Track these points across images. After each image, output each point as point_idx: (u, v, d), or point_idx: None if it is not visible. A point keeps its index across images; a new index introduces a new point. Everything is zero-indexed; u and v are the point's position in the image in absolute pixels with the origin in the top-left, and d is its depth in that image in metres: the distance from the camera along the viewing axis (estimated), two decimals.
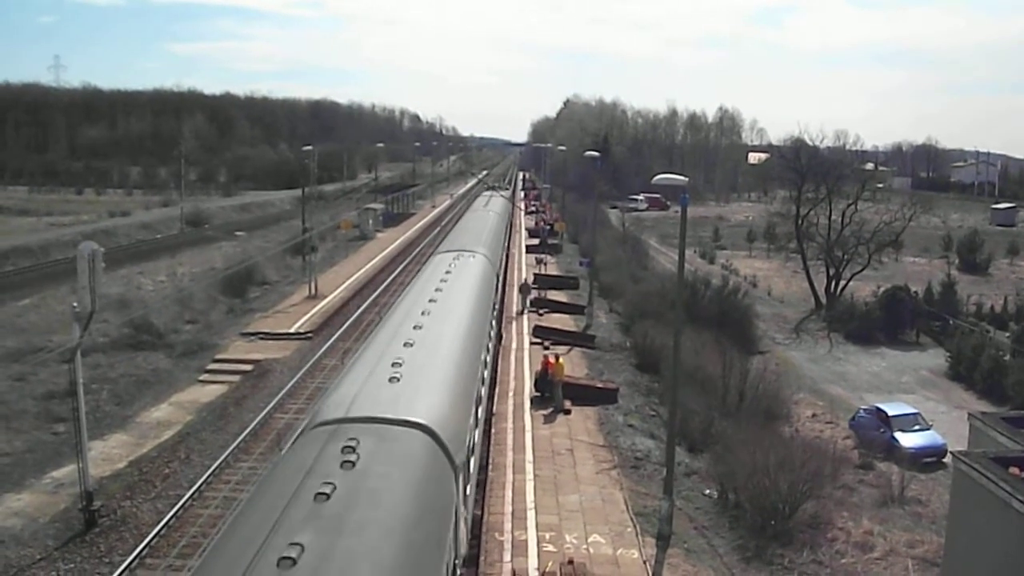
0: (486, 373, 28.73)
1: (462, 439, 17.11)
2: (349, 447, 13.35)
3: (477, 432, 22.52)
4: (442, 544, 13.15)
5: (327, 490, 11.70)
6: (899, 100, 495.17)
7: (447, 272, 31.68)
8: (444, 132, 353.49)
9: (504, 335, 45.48)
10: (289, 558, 9.83)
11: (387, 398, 16.16)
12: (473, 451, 20.36)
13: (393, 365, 17.99)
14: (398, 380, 17.10)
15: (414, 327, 21.99)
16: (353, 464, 12.83)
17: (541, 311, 52.16)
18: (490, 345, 31.68)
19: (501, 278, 50.07)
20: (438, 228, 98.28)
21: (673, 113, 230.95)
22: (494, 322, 37.04)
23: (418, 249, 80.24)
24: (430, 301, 25.72)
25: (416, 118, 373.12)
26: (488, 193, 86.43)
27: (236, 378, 40.17)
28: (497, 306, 41.85)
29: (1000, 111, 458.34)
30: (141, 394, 38.23)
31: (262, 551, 10.13)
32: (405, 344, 19.95)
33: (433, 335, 21.60)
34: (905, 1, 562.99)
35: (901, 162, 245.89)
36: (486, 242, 44.79)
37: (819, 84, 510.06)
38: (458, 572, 16.40)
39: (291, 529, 10.64)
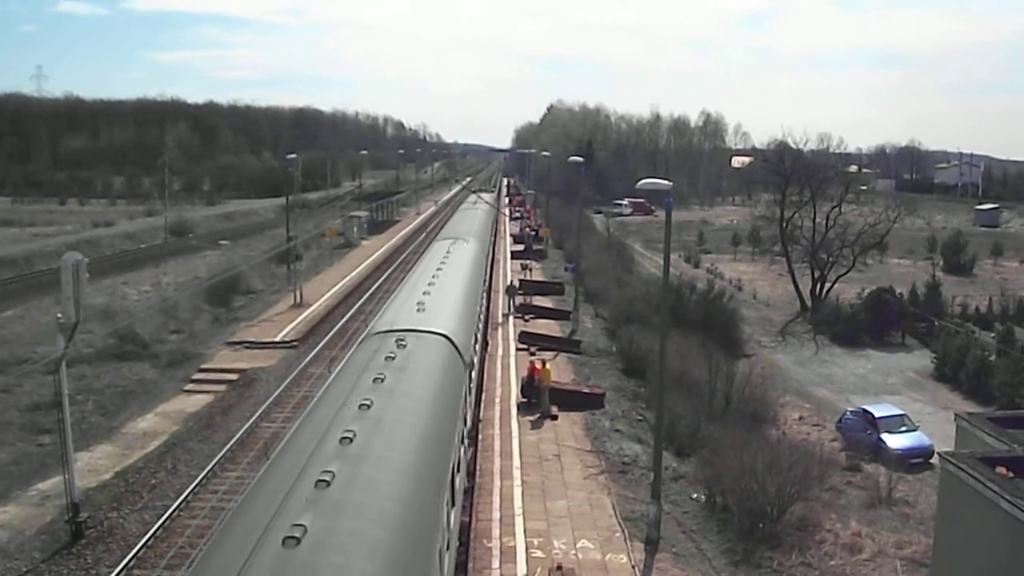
0: (481, 313, 38.07)
1: (468, 345, 25.74)
2: (399, 344, 20.37)
3: (478, 345, 32.89)
4: (456, 410, 19.71)
5: (384, 371, 17.89)
6: (883, 102, 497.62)
7: (448, 251, 40.34)
8: (428, 139, 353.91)
9: (490, 342, 45.48)
10: (365, 404, 15.53)
11: (418, 318, 24.07)
12: (476, 355, 30.22)
13: (418, 302, 26.06)
14: (424, 308, 25.21)
15: (432, 276, 31.88)
16: (394, 357, 19.24)
17: (527, 317, 52.18)
18: (483, 295, 42.35)
19: (488, 271, 56.86)
20: (424, 234, 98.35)
21: (657, 118, 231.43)
22: (485, 283, 48.25)
23: (403, 256, 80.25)
24: (441, 262, 36.31)
25: (400, 125, 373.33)
26: (473, 198, 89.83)
27: (222, 387, 40.09)
28: (487, 276, 53.33)
29: (984, 112, 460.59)
30: (127, 404, 38.11)
31: (346, 405, 15.77)
32: (428, 285, 29.61)
33: (446, 282, 31.44)
34: (889, 4, 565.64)
35: (885, 164, 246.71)
36: (477, 232, 55.53)
37: (803, 88, 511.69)
38: (465, 439, 23.38)
39: (364, 392, 16.40)
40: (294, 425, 17.01)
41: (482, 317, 38.38)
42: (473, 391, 29.01)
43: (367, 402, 15.56)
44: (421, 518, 13.16)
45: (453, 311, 26.89)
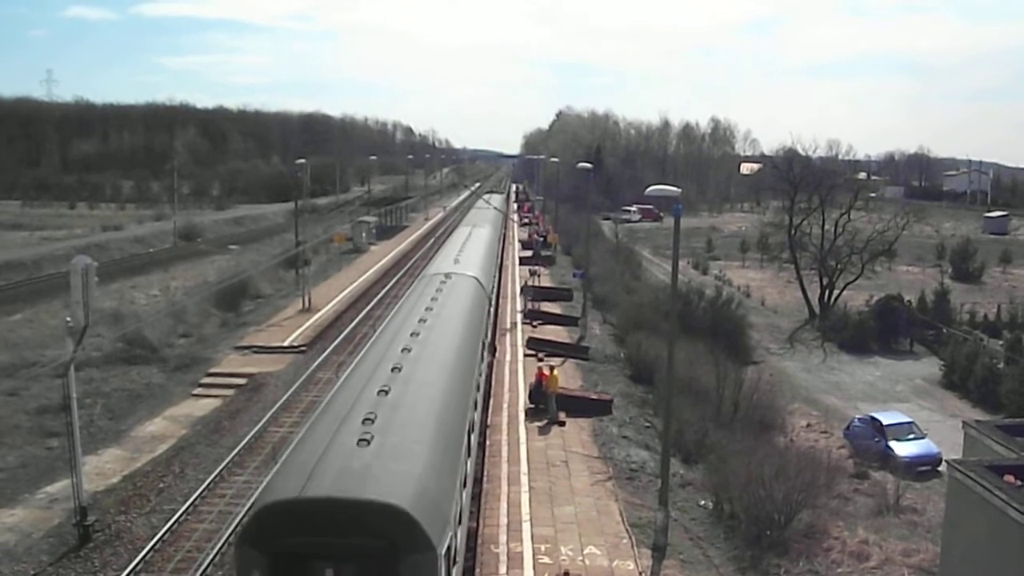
0: (496, 272, 54.81)
1: (491, 284, 42.22)
2: (444, 282, 32.58)
3: (495, 281, 51.05)
4: (480, 326, 31.30)
5: (437, 295, 29.87)
6: (892, 109, 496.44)
7: (468, 233, 55.57)
8: (437, 144, 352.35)
9: (497, 347, 45.54)
10: (424, 319, 25.66)
11: (455, 267, 37.23)
12: (493, 290, 46.51)
13: (454, 258, 41.56)
14: (459, 261, 40.00)
15: (460, 246, 47.83)
16: (442, 289, 31.00)
17: (535, 323, 52.19)
18: (497, 261, 61.18)
19: (499, 256, 68.43)
20: (432, 239, 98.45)
21: (665, 124, 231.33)
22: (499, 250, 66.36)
23: (412, 261, 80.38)
24: (466, 237, 52.96)
25: (409, 131, 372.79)
26: (486, 196, 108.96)
27: (230, 392, 40.17)
28: (501, 236, 74.37)
29: (994, 120, 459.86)
30: (135, 408, 38.20)
31: (414, 315, 26.94)
32: (458, 251, 44.75)
33: (471, 246, 48.03)
34: (898, 10, 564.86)
35: (894, 171, 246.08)
36: (491, 220, 73.54)
37: (812, 95, 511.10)
38: (485, 355, 32.48)
39: (423, 306, 28.03)
40: (375, 335, 28.33)
41: (498, 268, 59.40)
42: (492, 314, 43.02)
43: (424, 318, 26.21)
44: (458, 402, 20.58)
45: (479, 262, 42.64)
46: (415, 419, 17.39)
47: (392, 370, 19.66)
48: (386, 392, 17.96)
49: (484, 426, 32.14)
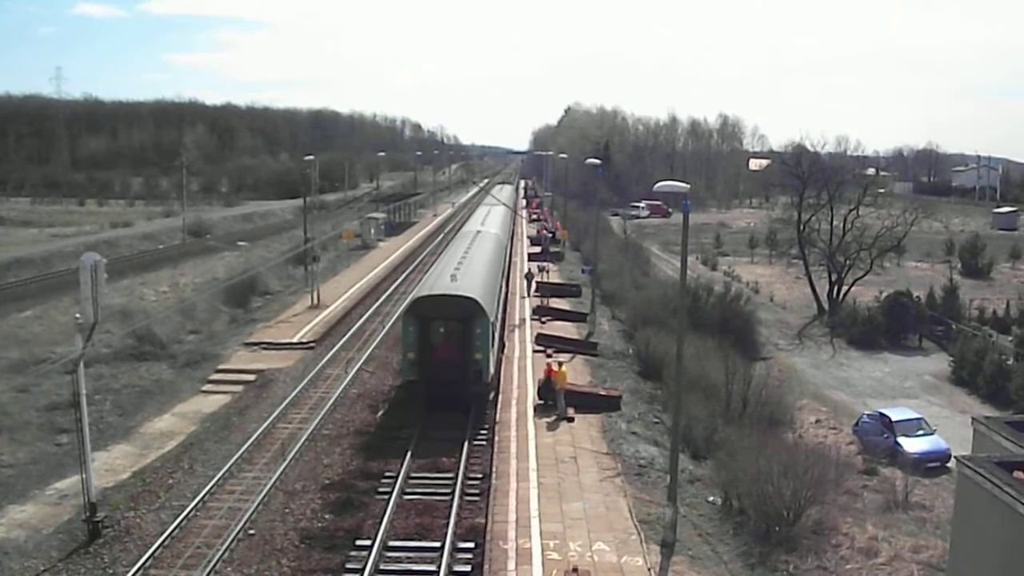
0: (509, 234, 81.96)
1: (505, 239, 70.54)
2: (475, 235, 55.49)
3: (510, 237, 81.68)
4: (502, 258, 60.04)
5: (481, 227, 62.75)
6: (901, 105, 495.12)
7: (488, 212, 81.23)
8: (445, 141, 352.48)
9: (506, 344, 45.61)
10: (480, 230, 59.12)
11: (482, 229, 61.06)
12: (512, 235, 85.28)
13: (480, 224, 67.23)
14: (484, 225, 66.18)
15: (482, 220, 72.69)
16: (472, 243, 51.27)
17: (544, 319, 52.20)
18: (511, 228, 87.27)
19: (509, 240, 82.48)
20: (441, 236, 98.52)
21: (674, 120, 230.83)
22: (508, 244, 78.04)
23: (420, 258, 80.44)
24: (485, 215, 77.53)
25: (417, 127, 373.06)
26: (497, 187, 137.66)
27: (239, 388, 40.19)
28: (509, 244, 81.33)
29: (1003, 116, 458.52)
30: (144, 405, 38.27)
31: (473, 225, 68.22)
32: (480, 224, 66.89)
33: (490, 220, 70.83)
34: (907, 4, 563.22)
35: (902, 167, 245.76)
36: (501, 213, 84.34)
37: (820, 90, 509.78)
38: (503, 285, 54.52)
39: (478, 224, 67.68)
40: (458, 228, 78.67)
41: (510, 236, 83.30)
42: (507, 253, 69.78)
43: (480, 229, 59.85)
44: (495, 269, 49.32)
45: (496, 228, 65.73)
46: (477, 269, 42.31)
47: (466, 249, 47.93)
48: (464, 256, 44.87)
49: (507, 282, 60.04)
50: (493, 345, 37.46)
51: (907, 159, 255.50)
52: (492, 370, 36.90)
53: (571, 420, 34.15)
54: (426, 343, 34.54)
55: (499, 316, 43.65)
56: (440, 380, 34.21)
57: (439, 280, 38.40)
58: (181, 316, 53.02)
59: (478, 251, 47.93)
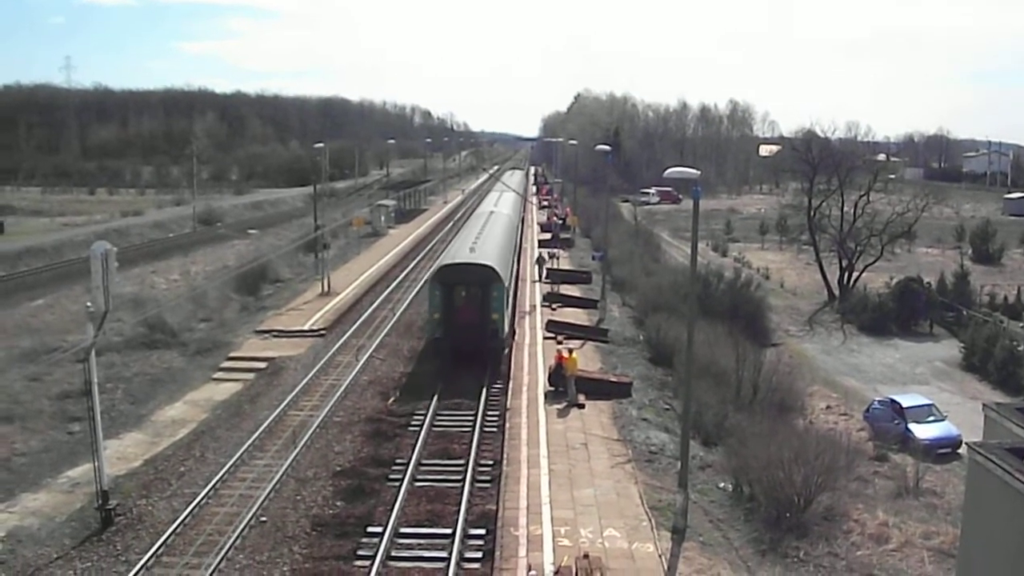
0: (521, 208, 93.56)
1: (518, 212, 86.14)
2: (492, 210, 65.99)
3: (521, 213, 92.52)
4: (514, 236, 66.83)
5: (494, 206, 70.88)
6: (912, 90, 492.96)
7: (501, 192, 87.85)
8: (455, 128, 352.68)
9: (517, 331, 45.67)
10: (494, 209, 66.27)
11: (496, 206, 70.50)
12: (522, 218, 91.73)
13: (495, 200, 79.09)
14: (498, 202, 76.12)
15: (497, 197, 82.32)
16: (493, 211, 64.56)
17: (554, 306, 52.21)
18: (522, 204, 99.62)
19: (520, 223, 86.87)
20: (451, 223, 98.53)
21: (684, 106, 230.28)
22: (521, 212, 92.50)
23: (431, 245, 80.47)
24: (499, 194, 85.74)
25: (427, 114, 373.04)
26: (508, 172, 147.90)
27: (250, 376, 40.29)
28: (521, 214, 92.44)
29: (1014, 101, 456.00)
30: (156, 393, 38.39)
31: (488, 205, 75.00)
32: (495, 201, 77.58)
33: (502, 199, 79.28)
34: None
35: (913, 153, 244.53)
36: (517, 183, 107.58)
37: (831, 76, 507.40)
38: (515, 251, 63.59)
39: (491, 205, 74.09)
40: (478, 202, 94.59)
41: (521, 219, 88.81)
42: (519, 232, 77.11)
43: (493, 210, 65.69)
44: (509, 241, 57.62)
45: (508, 209, 71.15)
46: (493, 242, 47.23)
47: (482, 226, 53.01)
48: (481, 231, 50.03)
49: (518, 260, 63.69)
50: (508, 307, 43.58)
51: (918, 145, 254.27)
52: (507, 329, 42.53)
53: (582, 407, 34.17)
54: (450, 305, 39.44)
55: (512, 283, 51.40)
56: (462, 337, 39.01)
57: (460, 251, 44.45)
58: (192, 304, 53.17)
59: (493, 228, 53.64)
